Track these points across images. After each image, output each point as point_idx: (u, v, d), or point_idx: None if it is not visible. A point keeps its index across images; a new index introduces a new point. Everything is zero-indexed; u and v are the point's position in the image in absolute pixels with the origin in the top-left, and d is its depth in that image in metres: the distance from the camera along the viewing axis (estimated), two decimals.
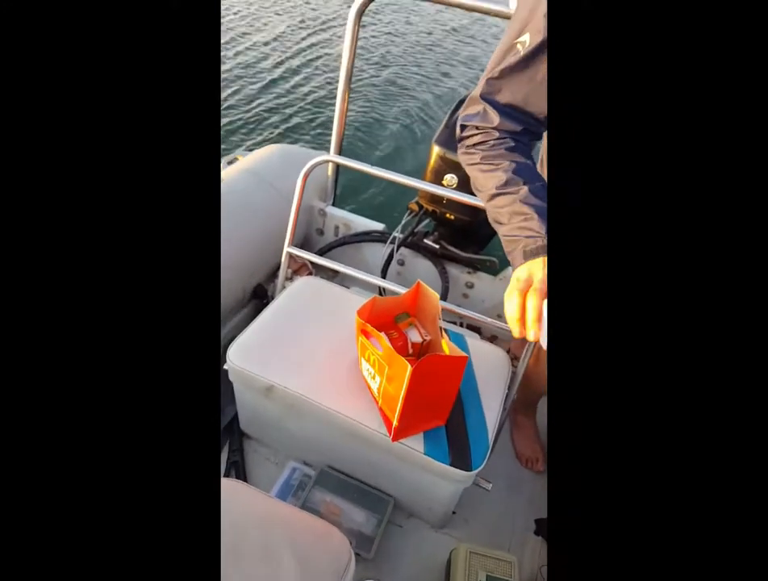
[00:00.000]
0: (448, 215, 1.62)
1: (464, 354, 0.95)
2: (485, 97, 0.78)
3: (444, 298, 1.62)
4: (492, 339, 1.69)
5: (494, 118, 0.77)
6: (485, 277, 1.69)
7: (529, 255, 0.69)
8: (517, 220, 0.72)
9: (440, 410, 1.04)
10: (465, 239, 1.70)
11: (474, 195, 1.54)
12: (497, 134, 0.77)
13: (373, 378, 1.03)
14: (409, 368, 0.90)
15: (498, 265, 1.69)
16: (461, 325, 1.66)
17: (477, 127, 0.79)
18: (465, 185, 1.55)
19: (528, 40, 0.71)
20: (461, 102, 1.66)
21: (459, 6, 1.41)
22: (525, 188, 0.72)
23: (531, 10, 0.69)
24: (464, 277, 1.69)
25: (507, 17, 1.26)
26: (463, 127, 0.81)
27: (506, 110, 0.77)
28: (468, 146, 0.81)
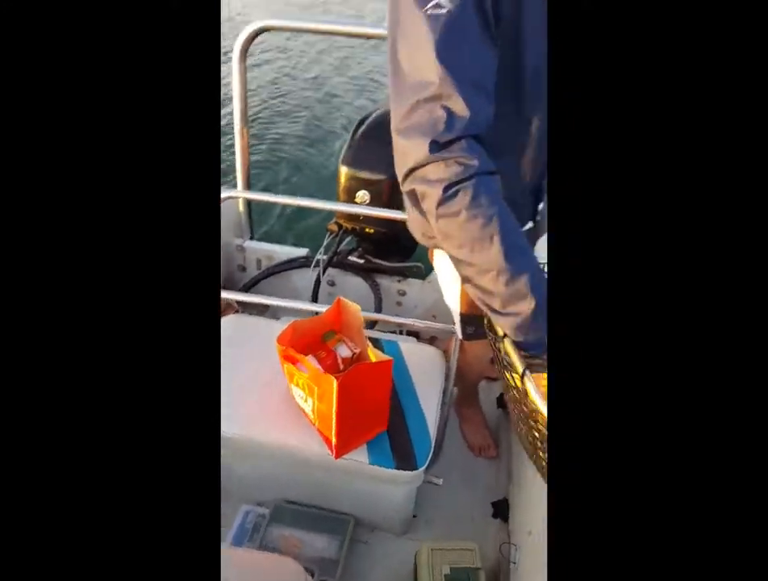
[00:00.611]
0: (367, 230, 1.66)
1: (388, 358, 0.97)
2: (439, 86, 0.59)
3: (378, 309, 1.65)
4: (432, 340, 1.72)
5: (463, 111, 0.60)
6: (414, 283, 1.73)
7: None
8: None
9: (378, 417, 1.06)
10: (389, 249, 1.74)
11: (387, 207, 1.59)
12: (476, 163, 0.61)
13: (306, 402, 1.04)
14: (335, 382, 0.91)
15: (425, 270, 1.74)
16: (401, 332, 1.69)
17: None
18: (377, 199, 1.60)
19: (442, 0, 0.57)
20: (363, 120, 1.72)
21: (341, 33, 1.47)
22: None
23: None
24: (394, 286, 1.72)
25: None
26: (435, 146, 0.61)
27: (473, 95, 0.60)
28: (429, 181, 0.63)
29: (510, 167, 0.79)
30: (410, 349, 1.26)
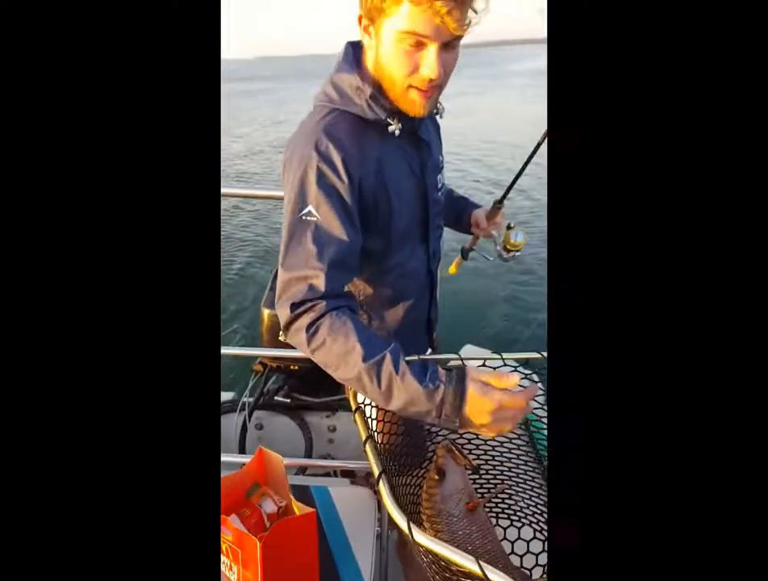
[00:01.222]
0: (293, 367, 1.66)
1: (311, 511, 0.93)
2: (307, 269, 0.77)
3: (309, 452, 1.60)
4: (368, 477, 1.66)
5: (321, 285, 0.76)
6: (345, 416, 1.71)
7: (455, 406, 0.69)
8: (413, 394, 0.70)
9: (308, 575, 0.98)
10: (317, 384, 1.73)
11: None
12: (325, 305, 0.76)
13: (231, 570, 0.96)
14: (258, 544, 0.85)
15: None
16: (334, 474, 1.63)
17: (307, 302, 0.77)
18: None
19: (312, 209, 0.78)
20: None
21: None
22: (389, 358, 0.72)
23: (295, 192, 0.79)
24: (325, 422, 1.69)
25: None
26: (294, 306, 0.77)
27: (332, 272, 0.78)
28: (300, 329, 0.77)
29: (403, 303, 0.98)
30: (341, 493, 1.22)
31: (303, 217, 0.78)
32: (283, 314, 0.78)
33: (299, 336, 0.77)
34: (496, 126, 12.29)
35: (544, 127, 0.74)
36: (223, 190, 1.34)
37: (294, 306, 0.77)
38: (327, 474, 1.59)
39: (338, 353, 0.74)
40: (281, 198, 1.37)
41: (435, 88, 0.80)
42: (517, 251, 1.25)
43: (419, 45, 0.74)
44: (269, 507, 1.05)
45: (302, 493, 1.16)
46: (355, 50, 0.86)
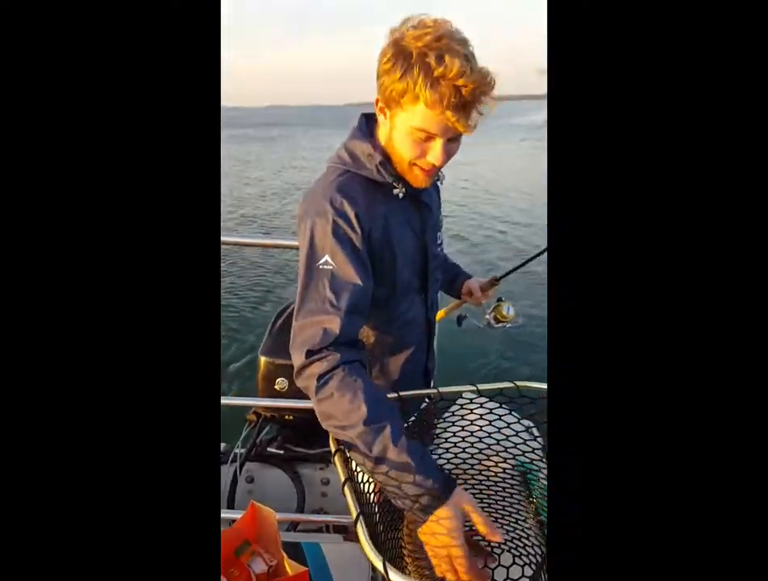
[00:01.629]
0: (287, 417, 1.63)
1: (303, 569, 0.89)
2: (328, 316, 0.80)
3: (301, 506, 1.55)
4: None
5: (336, 329, 0.79)
6: None
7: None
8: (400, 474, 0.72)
9: None
10: (312, 435, 1.70)
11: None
12: (339, 356, 0.78)
13: None
14: None
15: None
16: (327, 529, 1.58)
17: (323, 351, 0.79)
18: (295, 385, 1.60)
19: (328, 259, 0.83)
20: (281, 312, 1.79)
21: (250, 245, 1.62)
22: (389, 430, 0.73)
23: (311, 243, 0.85)
24: (318, 474, 1.65)
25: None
26: (309, 353, 0.79)
27: (347, 317, 0.81)
28: (311, 376, 0.79)
29: (403, 352, 1.04)
30: (334, 550, 1.17)
31: (320, 266, 0.83)
32: (297, 358, 0.81)
33: (309, 382, 0.79)
34: (495, 173, 12.68)
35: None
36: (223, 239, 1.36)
37: (309, 353, 0.79)
38: (320, 530, 1.54)
39: (343, 408, 0.76)
40: (275, 246, 1.40)
41: (437, 169, 0.90)
42: (507, 323, 1.33)
43: (429, 138, 0.84)
44: (259, 566, 1.01)
45: (294, 550, 1.12)
46: (368, 121, 0.96)
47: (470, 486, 1.00)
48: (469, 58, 0.78)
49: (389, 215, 0.93)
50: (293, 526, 1.48)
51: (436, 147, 0.84)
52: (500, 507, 0.98)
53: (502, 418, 0.94)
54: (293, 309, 1.80)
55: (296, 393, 1.56)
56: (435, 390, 0.92)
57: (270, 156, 19.25)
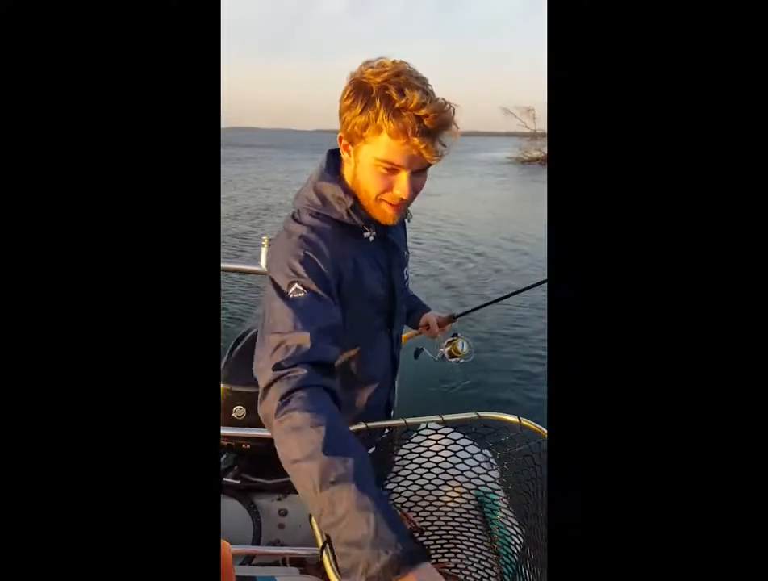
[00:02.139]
0: (244, 446, 1.59)
1: None
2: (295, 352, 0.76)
3: (257, 538, 1.50)
4: (319, 565, 1.57)
5: (308, 346, 0.76)
6: (298, 499, 1.63)
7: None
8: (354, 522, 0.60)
9: None
10: (269, 464, 1.65)
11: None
12: (305, 374, 0.74)
13: None
14: None
15: None
16: (284, 562, 1.52)
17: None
18: (253, 412, 1.56)
19: (299, 287, 0.82)
20: (239, 338, 1.76)
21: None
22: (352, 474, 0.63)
23: (282, 270, 0.84)
24: (275, 505, 1.60)
25: (262, 274, 1.44)
26: (277, 366, 0.75)
27: (320, 337, 0.78)
28: (274, 397, 0.74)
29: (367, 386, 1.05)
30: None
31: (291, 295, 0.82)
32: (264, 376, 0.77)
33: (272, 405, 0.73)
34: (460, 205, 13.07)
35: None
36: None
37: (277, 366, 0.75)
38: (276, 563, 1.49)
39: (299, 426, 0.68)
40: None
41: (404, 203, 0.91)
42: (460, 358, 1.37)
43: (393, 170, 0.85)
44: None
45: None
46: (335, 159, 0.96)
47: (428, 514, 0.99)
48: (428, 92, 0.80)
49: (358, 258, 0.94)
50: (248, 559, 1.43)
51: (402, 179, 0.85)
52: (458, 534, 0.98)
53: (466, 448, 0.94)
54: (252, 335, 1.78)
55: (254, 421, 1.53)
56: (401, 421, 0.90)
57: (243, 177, 19.24)
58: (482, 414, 0.91)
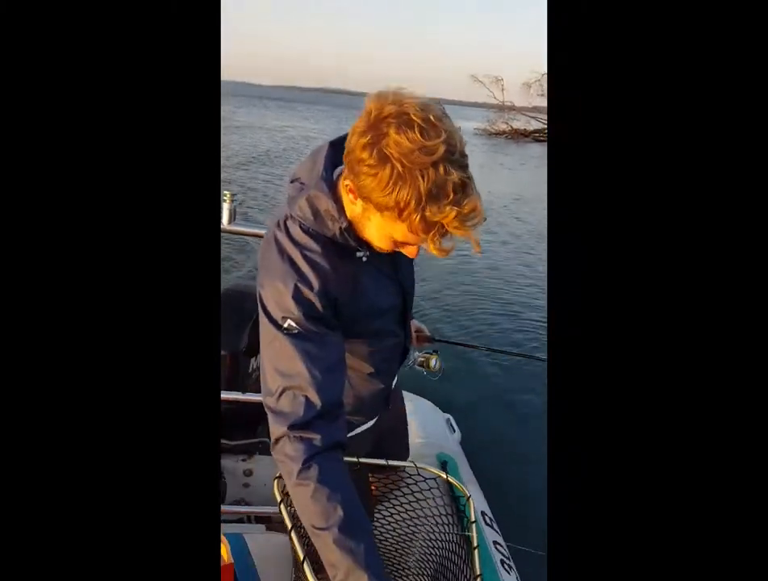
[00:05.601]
0: None
1: (228, 563, 0.89)
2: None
3: (222, 498, 1.52)
4: (283, 522, 1.61)
5: (317, 399, 0.78)
6: (262, 460, 1.66)
7: None
8: None
9: None
10: (233, 426, 1.67)
11: (229, 381, 1.58)
12: (320, 439, 0.78)
13: None
14: None
15: None
16: (249, 520, 1.56)
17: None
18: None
19: (292, 323, 0.79)
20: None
21: None
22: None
23: (273, 298, 0.81)
24: (240, 466, 1.63)
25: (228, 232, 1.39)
26: (293, 427, 0.78)
27: (324, 381, 0.79)
28: (294, 458, 0.77)
29: (375, 378, 1.04)
30: (257, 541, 1.17)
31: (285, 329, 0.80)
32: (278, 427, 0.79)
33: (292, 465, 0.77)
34: None
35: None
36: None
37: (292, 427, 0.77)
38: (240, 520, 1.53)
39: (318, 499, 0.75)
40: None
41: None
42: (429, 373, 1.41)
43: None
44: None
45: None
46: (335, 160, 0.83)
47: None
48: (466, 184, 0.68)
49: (358, 274, 0.86)
50: None
51: (412, 248, 0.79)
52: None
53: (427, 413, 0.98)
54: (225, 294, 1.75)
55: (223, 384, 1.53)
56: (384, 461, 0.99)
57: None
58: (418, 465, 1.02)
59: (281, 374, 0.80)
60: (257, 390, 1.67)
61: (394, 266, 0.94)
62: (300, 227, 0.83)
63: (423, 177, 0.66)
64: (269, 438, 0.81)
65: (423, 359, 1.41)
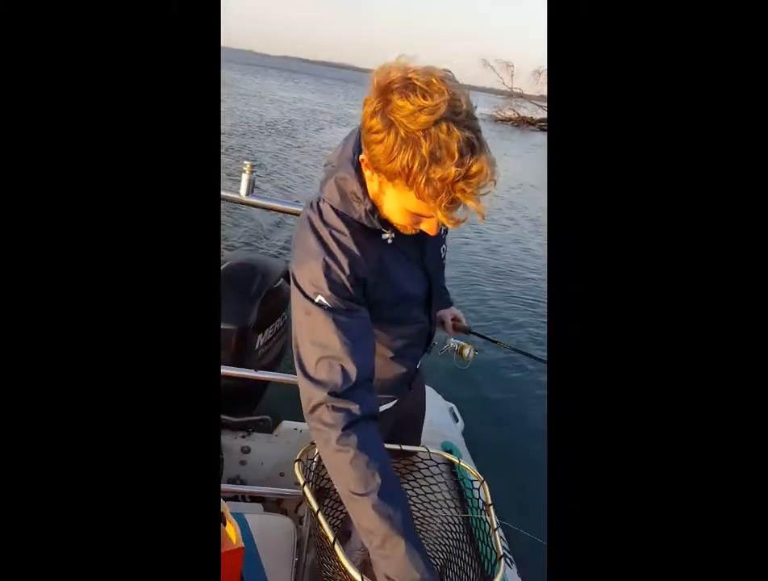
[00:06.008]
0: None
1: (239, 547, 0.86)
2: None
3: (219, 475, 1.50)
4: (279, 502, 1.60)
5: (353, 370, 0.79)
6: (260, 438, 1.64)
7: None
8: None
9: None
10: (234, 402, 1.64)
11: (234, 356, 1.55)
12: (359, 408, 0.79)
13: None
14: None
15: (271, 421, 1.66)
16: (244, 499, 1.54)
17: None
18: (225, 349, 1.54)
19: (322, 299, 0.81)
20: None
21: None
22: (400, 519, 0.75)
23: (306, 276, 0.82)
24: (238, 442, 1.60)
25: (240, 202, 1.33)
26: (332, 395, 0.79)
27: (358, 353, 0.80)
28: (334, 425, 0.78)
29: (400, 361, 1.05)
30: (257, 521, 1.15)
31: (319, 303, 0.81)
32: (316, 393, 0.79)
33: (331, 432, 0.78)
34: None
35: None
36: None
37: (332, 395, 0.79)
38: (235, 498, 1.51)
39: (357, 465, 0.77)
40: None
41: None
42: (461, 361, 1.44)
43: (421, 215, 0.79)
44: None
45: None
46: (361, 150, 0.81)
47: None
48: (473, 145, 0.67)
49: (384, 255, 0.87)
50: None
51: (431, 222, 0.78)
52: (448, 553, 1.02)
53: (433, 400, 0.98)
54: (225, 271, 1.71)
55: (224, 359, 1.50)
56: (398, 447, 1.00)
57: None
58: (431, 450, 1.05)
59: (318, 344, 0.81)
60: (262, 368, 1.66)
61: (421, 252, 0.94)
62: (331, 208, 0.85)
63: (425, 138, 0.66)
64: (302, 408, 0.82)
65: (457, 347, 1.44)
